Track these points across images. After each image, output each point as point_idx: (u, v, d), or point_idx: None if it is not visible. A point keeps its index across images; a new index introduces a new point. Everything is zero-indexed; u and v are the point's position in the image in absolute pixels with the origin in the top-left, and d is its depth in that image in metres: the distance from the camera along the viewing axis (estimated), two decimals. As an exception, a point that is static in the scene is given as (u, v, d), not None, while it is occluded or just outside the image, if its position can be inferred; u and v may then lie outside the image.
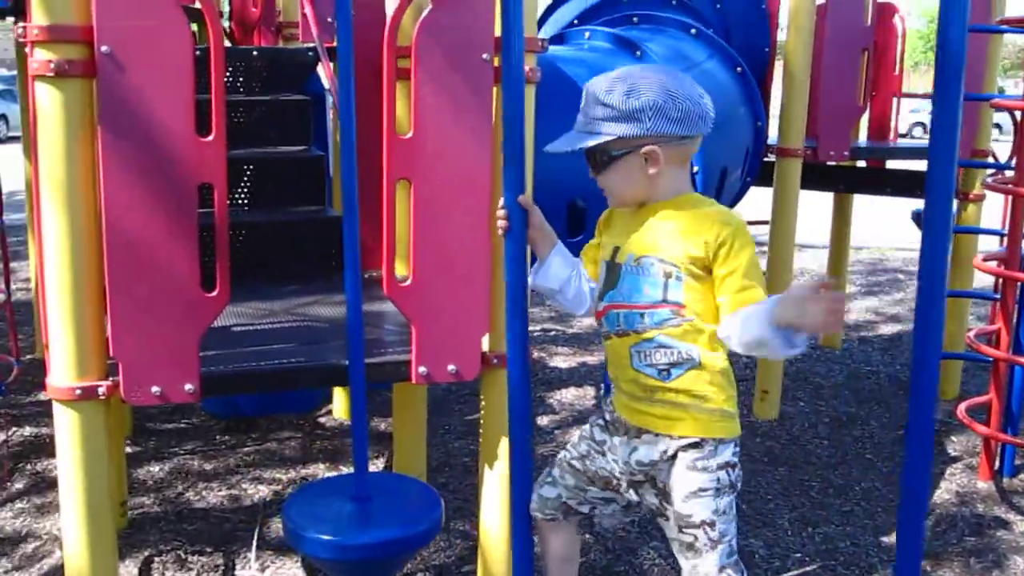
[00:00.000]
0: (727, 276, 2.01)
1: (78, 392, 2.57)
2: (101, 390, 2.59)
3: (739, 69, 3.88)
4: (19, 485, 4.37)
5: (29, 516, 4.07)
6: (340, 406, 5.28)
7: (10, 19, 5.08)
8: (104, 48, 2.42)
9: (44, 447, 4.77)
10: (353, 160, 2.67)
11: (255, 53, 4.75)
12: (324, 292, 3.70)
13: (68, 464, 2.64)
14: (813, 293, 1.86)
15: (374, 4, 3.88)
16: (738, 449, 2.21)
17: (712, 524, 2.12)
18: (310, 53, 4.73)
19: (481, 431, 3.10)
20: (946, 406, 5.77)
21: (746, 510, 4.35)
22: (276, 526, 3.99)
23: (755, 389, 5.63)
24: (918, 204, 6.29)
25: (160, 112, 2.48)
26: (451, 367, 2.87)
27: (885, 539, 4.16)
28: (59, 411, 2.61)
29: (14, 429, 4.96)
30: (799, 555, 4.00)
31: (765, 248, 5.31)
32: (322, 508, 2.78)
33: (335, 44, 4.37)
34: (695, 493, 2.11)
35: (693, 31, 3.83)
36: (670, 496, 2.16)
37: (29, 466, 4.56)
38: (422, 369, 2.83)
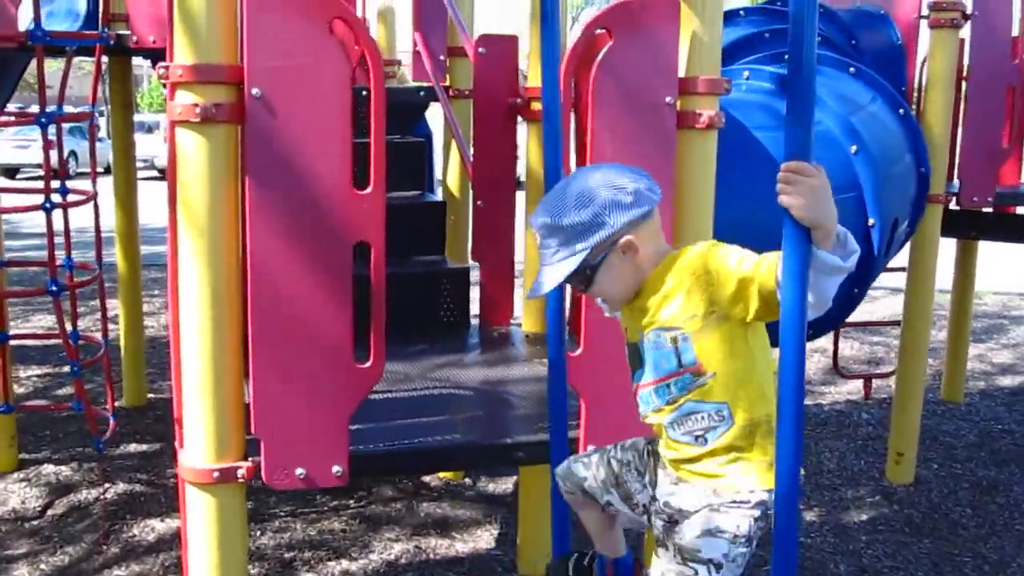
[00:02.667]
0: (740, 271, 1.92)
1: (216, 475, 2.29)
2: (241, 472, 2.31)
3: (902, 112, 3.55)
4: (115, 549, 4.10)
5: (129, 587, 3.80)
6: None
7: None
8: (255, 91, 2.16)
9: (139, 506, 4.51)
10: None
11: (364, 94, 4.50)
12: (454, 351, 3.41)
13: (203, 553, 2.35)
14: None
15: (504, 47, 3.62)
16: (770, 504, 2.02)
17: (718, 566, 2.03)
18: (421, 93, 4.47)
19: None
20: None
21: (899, 589, 3.97)
22: (394, 603, 3.68)
23: (888, 451, 5.23)
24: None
25: (314, 161, 2.21)
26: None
27: (1060, 627, 3.75)
28: (194, 495, 2.33)
29: (107, 485, 4.71)
30: (969, 645, 3.60)
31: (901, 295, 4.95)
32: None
33: (447, 83, 4.10)
34: (712, 532, 2.03)
35: (852, 69, 3.51)
36: (682, 531, 2.09)
37: (124, 528, 4.30)
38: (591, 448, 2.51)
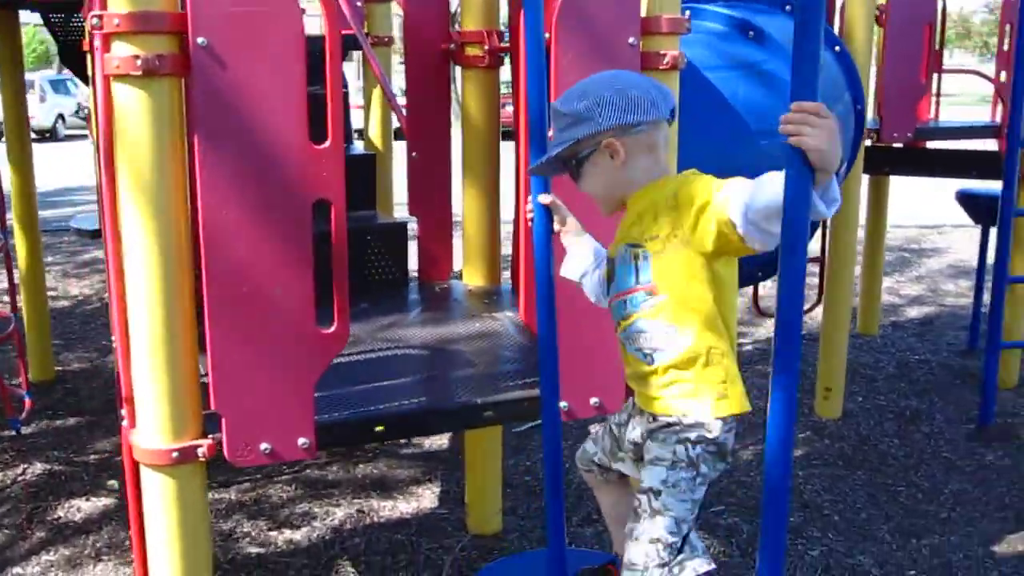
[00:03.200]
0: (701, 199, 1.94)
1: (175, 456, 2.15)
2: (201, 451, 2.17)
3: (838, 49, 3.51)
4: (40, 534, 3.89)
5: (60, 570, 3.61)
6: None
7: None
8: (201, 40, 1.99)
9: (61, 486, 4.29)
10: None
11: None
12: (399, 310, 3.29)
13: (162, 537, 2.21)
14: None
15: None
16: (715, 430, 2.07)
17: (657, 493, 2.07)
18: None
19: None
20: (1006, 395, 5.52)
21: (838, 521, 4.04)
22: (345, 571, 3.58)
23: (816, 387, 5.31)
24: (961, 184, 6.01)
25: (268, 115, 2.05)
26: (594, 400, 2.49)
27: (997, 549, 3.86)
28: (150, 478, 2.18)
29: (23, 466, 4.47)
30: (913, 572, 3.68)
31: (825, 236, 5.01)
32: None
33: (366, 31, 3.91)
34: (651, 461, 2.09)
35: (787, 7, 3.45)
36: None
37: (48, 510, 4.08)
38: (563, 404, 2.44)
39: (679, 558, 2.04)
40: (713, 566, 2.10)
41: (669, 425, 2.07)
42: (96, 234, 6.39)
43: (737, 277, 2.10)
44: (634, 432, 2.20)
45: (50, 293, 7.40)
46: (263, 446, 2.19)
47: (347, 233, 2.17)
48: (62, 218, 10.05)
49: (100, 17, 1.99)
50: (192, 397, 2.17)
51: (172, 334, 2.10)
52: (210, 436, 2.19)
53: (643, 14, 2.38)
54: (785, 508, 1.79)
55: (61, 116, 25.40)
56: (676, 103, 2.49)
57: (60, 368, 5.91)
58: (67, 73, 28.77)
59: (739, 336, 6.69)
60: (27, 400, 4.10)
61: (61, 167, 14.52)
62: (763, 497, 1.87)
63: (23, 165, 5.38)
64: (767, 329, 6.90)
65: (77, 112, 24.80)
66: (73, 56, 5.00)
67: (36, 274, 5.64)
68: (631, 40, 2.35)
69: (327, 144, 2.11)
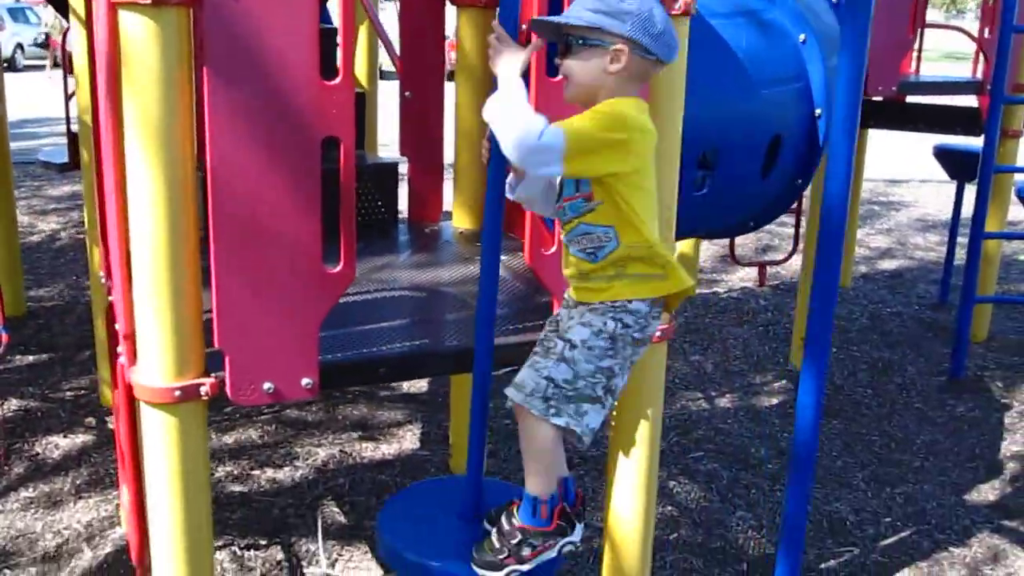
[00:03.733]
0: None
1: (177, 394, 2.11)
2: (204, 389, 2.14)
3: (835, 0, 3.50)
4: (18, 470, 3.86)
5: (41, 508, 3.58)
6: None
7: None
8: (211, -34, 1.92)
9: (38, 422, 4.25)
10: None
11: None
12: (392, 251, 3.26)
13: (163, 478, 2.18)
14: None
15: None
16: (643, 314, 2.18)
17: (573, 346, 2.16)
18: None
19: (614, 417, 2.72)
20: (977, 349, 5.61)
21: (816, 469, 4.10)
22: (330, 511, 3.59)
23: (792, 336, 5.38)
24: (939, 140, 6.05)
25: (280, 49, 1.99)
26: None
27: (968, 497, 3.96)
28: (151, 416, 2.15)
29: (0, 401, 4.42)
30: (888, 520, 3.76)
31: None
32: (426, 526, 2.39)
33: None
34: (581, 322, 2.18)
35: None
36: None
37: (25, 446, 4.04)
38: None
39: (567, 407, 2.13)
40: (584, 443, 2.17)
41: (602, 302, 2.18)
42: (64, 168, 6.26)
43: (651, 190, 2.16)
44: (571, 322, 2.24)
45: (23, 224, 7.30)
46: (266, 385, 2.16)
47: (329, 173, 2.13)
48: (25, 151, 9.83)
49: (106, -59, 1.92)
50: (195, 335, 2.13)
51: (176, 271, 2.06)
52: (212, 374, 2.16)
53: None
54: (810, 475, 1.81)
55: (20, 46, 24.71)
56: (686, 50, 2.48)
57: (31, 304, 5.82)
58: (26, 2, 27.99)
59: (714, 284, 6.74)
60: (3, 335, 4.03)
61: (21, 98, 14.17)
62: (789, 468, 1.89)
63: (-9, 96, 5.24)
64: (740, 277, 6.95)
65: (37, 42, 24.16)
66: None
67: (7, 208, 5.52)
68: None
69: (338, 80, 2.07)
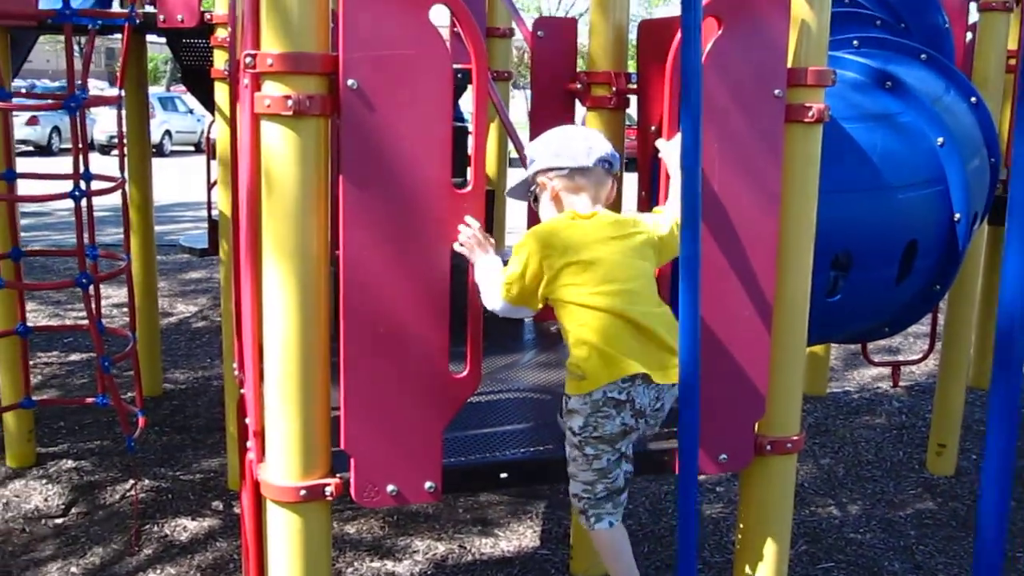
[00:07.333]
0: None
1: (303, 493, 2.14)
2: (328, 490, 2.16)
3: (974, 100, 3.41)
4: (147, 551, 3.95)
5: (167, 591, 3.65)
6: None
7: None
8: (351, 82, 1.99)
9: (167, 504, 4.36)
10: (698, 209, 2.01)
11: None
12: (513, 351, 3.26)
13: (284, 572, 2.20)
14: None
15: (563, 30, 3.46)
16: (584, 402, 2.29)
17: (567, 462, 2.37)
18: (459, 76, 4.29)
19: (740, 530, 2.64)
20: None
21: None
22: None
23: (928, 442, 5.13)
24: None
25: (413, 158, 2.05)
26: (723, 456, 2.42)
27: None
28: (276, 514, 2.18)
29: (132, 482, 4.55)
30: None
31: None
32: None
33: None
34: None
35: (923, 56, 3.36)
36: None
37: (155, 528, 4.14)
38: (692, 460, 2.37)
39: (600, 508, 2.35)
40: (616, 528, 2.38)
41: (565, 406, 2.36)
42: (203, 253, 6.52)
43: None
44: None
45: (164, 308, 7.61)
46: (390, 488, 2.17)
47: (459, 270, 2.17)
48: (166, 234, 10.29)
49: (253, 56, 2.01)
50: (323, 435, 2.17)
51: (307, 371, 2.11)
52: (337, 475, 2.19)
53: (788, 65, 2.32)
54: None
55: (168, 132, 26.12)
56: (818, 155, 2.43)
57: (168, 386, 6.03)
58: (175, 91, 29.66)
59: (845, 383, 6.53)
60: (141, 418, 4.18)
61: (167, 183, 14.91)
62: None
63: (143, 182, 5.50)
64: (872, 376, 6.72)
65: (199, 145, 25.16)
66: (195, 78, 5.10)
67: (150, 291, 5.76)
68: (776, 91, 2.30)
69: (469, 188, 2.10)
